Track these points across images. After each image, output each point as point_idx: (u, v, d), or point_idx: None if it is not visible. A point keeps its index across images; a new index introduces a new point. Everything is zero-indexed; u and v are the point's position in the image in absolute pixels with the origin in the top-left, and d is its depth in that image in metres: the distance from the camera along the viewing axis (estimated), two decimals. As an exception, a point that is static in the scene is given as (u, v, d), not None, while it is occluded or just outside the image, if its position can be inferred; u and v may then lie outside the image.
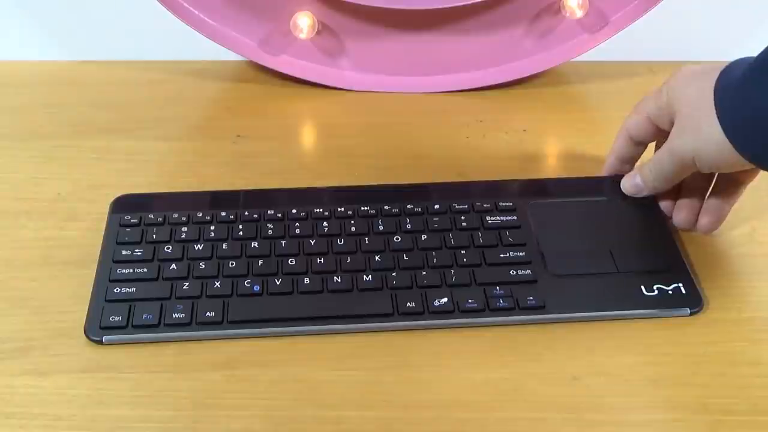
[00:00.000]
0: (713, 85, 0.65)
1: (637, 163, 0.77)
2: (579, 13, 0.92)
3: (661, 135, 0.73)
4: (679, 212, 0.74)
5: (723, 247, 0.74)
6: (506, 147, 0.87)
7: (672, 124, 0.69)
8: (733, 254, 0.74)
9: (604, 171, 0.79)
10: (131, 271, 0.70)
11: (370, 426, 0.60)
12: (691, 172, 0.70)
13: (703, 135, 0.65)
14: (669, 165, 0.70)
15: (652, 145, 0.76)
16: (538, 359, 0.65)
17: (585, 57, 0.94)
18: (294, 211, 0.75)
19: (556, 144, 0.90)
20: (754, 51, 1.02)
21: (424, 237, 0.73)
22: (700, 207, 0.74)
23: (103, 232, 0.74)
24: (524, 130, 0.90)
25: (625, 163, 0.78)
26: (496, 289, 0.68)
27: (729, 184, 0.72)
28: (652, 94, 0.72)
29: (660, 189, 0.73)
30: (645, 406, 0.61)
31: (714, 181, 0.73)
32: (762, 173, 0.71)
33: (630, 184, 0.75)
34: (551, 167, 0.87)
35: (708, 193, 0.73)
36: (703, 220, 0.73)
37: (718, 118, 0.64)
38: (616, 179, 0.79)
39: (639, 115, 0.74)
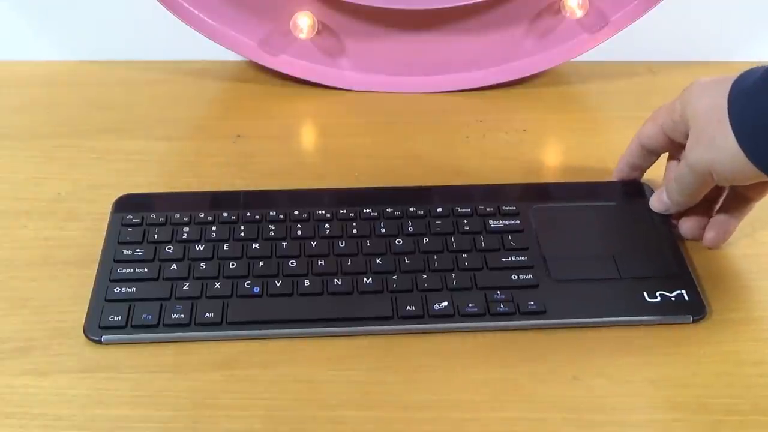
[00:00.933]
0: (726, 95, 0.64)
1: (662, 179, 0.76)
2: (579, 13, 0.92)
3: (673, 147, 0.73)
4: (686, 222, 0.74)
5: (724, 247, 0.74)
6: (506, 147, 0.87)
7: (686, 137, 0.69)
8: (735, 255, 0.74)
9: (614, 176, 0.79)
10: (132, 270, 0.70)
11: (370, 426, 0.60)
12: (712, 186, 0.69)
13: (716, 146, 0.65)
14: (689, 179, 0.69)
15: (664, 156, 0.76)
16: (538, 360, 0.65)
17: (585, 57, 0.94)
18: (296, 212, 0.75)
19: (557, 144, 0.90)
20: (754, 51, 1.02)
21: (425, 240, 0.73)
22: (708, 218, 0.73)
23: (103, 232, 0.74)
24: (524, 130, 0.90)
25: (635, 170, 0.77)
26: (497, 294, 0.68)
27: (738, 201, 0.72)
28: (667, 105, 0.72)
29: (686, 204, 0.72)
30: (645, 406, 0.61)
31: (723, 196, 0.73)
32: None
33: (657, 201, 0.75)
34: (551, 167, 0.87)
35: (716, 208, 0.73)
36: (709, 235, 0.73)
37: (732, 127, 0.63)
38: (619, 184, 0.79)
39: (653, 124, 0.73)
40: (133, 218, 0.74)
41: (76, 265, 0.72)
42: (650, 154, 0.76)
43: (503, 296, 0.68)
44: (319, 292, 0.68)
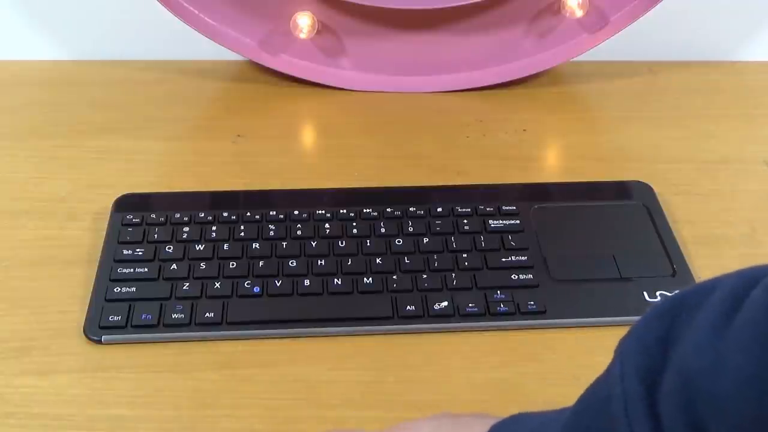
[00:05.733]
0: None
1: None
2: (579, 13, 0.92)
3: None
4: None
5: (723, 247, 0.74)
6: (506, 147, 0.87)
7: None
8: (735, 255, 0.74)
9: None
10: (132, 270, 0.70)
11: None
12: None
13: None
14: None
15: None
16: (538, 359, 0.65)
17: (585, 57, 0.94)
18: (296, 212, 0.75)
19: (556, 144, 0.90)
20: (754, 51, 1.02)
21: (425, 240, 0.73)
22: None
23: (103, 232, 0.74)
24: (524, 130, 0.90)
25: None
26: (497, 294, 0.68)
27: None
28: None
29: None
30: (645, 407, 0.61)
31: None
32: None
33: None
34: (551, 167, 0.87)
35: None
36: None
37: None
38: (620, 184, 0.79)
39: None
40: (133, 218, 0.74)
41: (76, 265, 0.72)
42: None
43: (503, 296, 0.68)
44: (319, 292, 0.68)
